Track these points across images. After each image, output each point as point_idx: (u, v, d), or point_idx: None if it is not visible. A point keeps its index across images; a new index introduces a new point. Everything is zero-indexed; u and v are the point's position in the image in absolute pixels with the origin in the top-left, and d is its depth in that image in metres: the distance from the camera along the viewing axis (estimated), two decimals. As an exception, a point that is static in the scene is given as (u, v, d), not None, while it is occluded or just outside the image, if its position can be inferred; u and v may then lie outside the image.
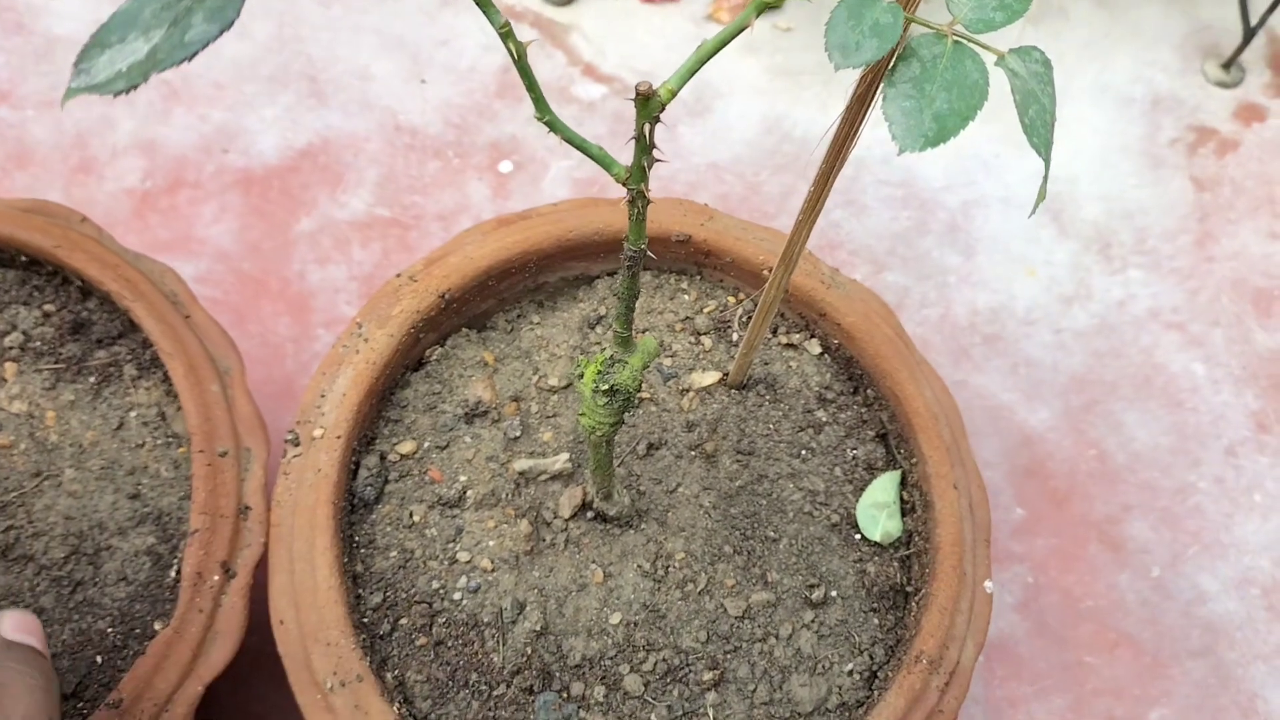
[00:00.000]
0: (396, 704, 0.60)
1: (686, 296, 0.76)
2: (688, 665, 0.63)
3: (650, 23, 1.12)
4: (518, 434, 0.70)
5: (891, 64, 0.42)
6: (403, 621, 0.63)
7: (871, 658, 0.65)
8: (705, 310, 0.76)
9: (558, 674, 0.63)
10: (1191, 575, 0.87)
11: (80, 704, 0.60)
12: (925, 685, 0.62)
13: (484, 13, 0.42)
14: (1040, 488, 0.90)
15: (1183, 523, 0.89)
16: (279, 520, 0.63)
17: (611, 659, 0.63)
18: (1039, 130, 0.41)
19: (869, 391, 0.73)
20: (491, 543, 0.66)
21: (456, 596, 0.64)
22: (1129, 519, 0.89)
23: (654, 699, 0.63)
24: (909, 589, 0.68)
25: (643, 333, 0.74)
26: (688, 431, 0.70)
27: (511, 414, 0.70)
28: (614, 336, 0.55)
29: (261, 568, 0.63)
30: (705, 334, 0.75)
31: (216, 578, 0.61)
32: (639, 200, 0.49)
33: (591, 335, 0.74)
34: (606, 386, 0.55)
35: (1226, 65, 1.11)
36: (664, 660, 0.63)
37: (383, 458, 0.68)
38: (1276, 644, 0.85)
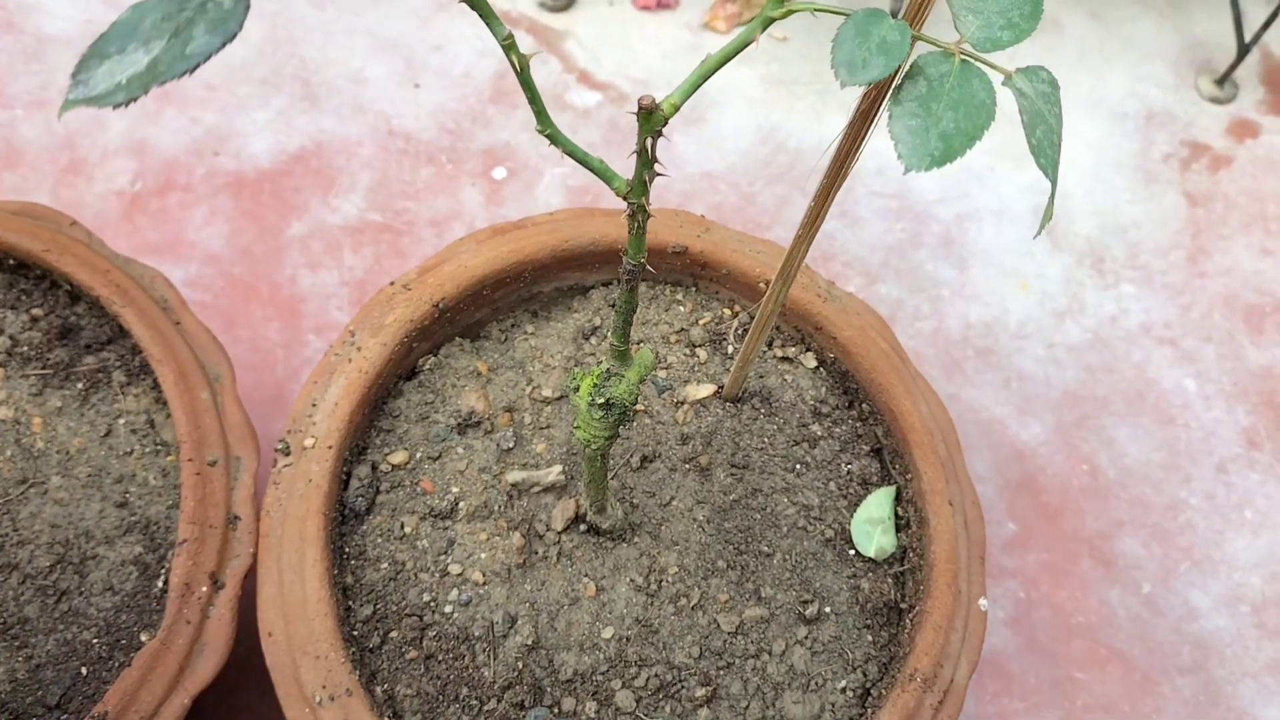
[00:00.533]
0: (386, 718, 0.59)
1: (682, 308, 0.76)
2: (680, 681, 0.63)
3: (645, 30, 1.12)
4: (511, 445, 0.69)
5: (898, 82, 0.41)
6: (393, 635, 0.63)
7: (865, 675, 0.65)
8: (701, 322, 0.75)
9: (549, 689, 0.62)
10: (1182, 592, 0.87)
11: (65, 716, 0.59)
12: (919, 704, 0.61)
13: (487, 24, 0.41)
14: (1032, 502, 0.90)
15: (1174, 539, 0.89)
16: (268, 531, 0.63)
17: (603, 674, 0.63)
18: (1046, 151, 0.40)
19: (864, 406, 0.73)
20: (483, 555, 0.65)
21: (447, 609, 0.63)
22: (1120, 535, 0.89)
23: (646, 715, 0.62)
24: (903, 605, 0.67)
25: (638, 344, 0.74)
26: (682, 444, 0.70)
27: (505, 425, 0.70)
28: (611, 350, 0.54)
29: (250, 579, 0.63)
30: (701, 346, 0.74)
31: (204, 589, 0.61)
32: (639, 214, 0.48)
33: (586, 346, 0.74)
34: (602, 400, 0.55)
35: (1220, 81, 1.11)
36: (656, 676, 0.63)
37: (374, 468, 0.68)
38: (1266, 661, 0.85)
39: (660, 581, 0.65)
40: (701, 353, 0.74)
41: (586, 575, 0.65)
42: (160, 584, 0.63)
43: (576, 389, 0.56)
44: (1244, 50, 1.07)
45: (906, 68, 0.41)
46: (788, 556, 0.67)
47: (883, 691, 0.63)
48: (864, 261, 1.00)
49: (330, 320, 0.93)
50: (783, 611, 0.65)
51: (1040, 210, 1.02)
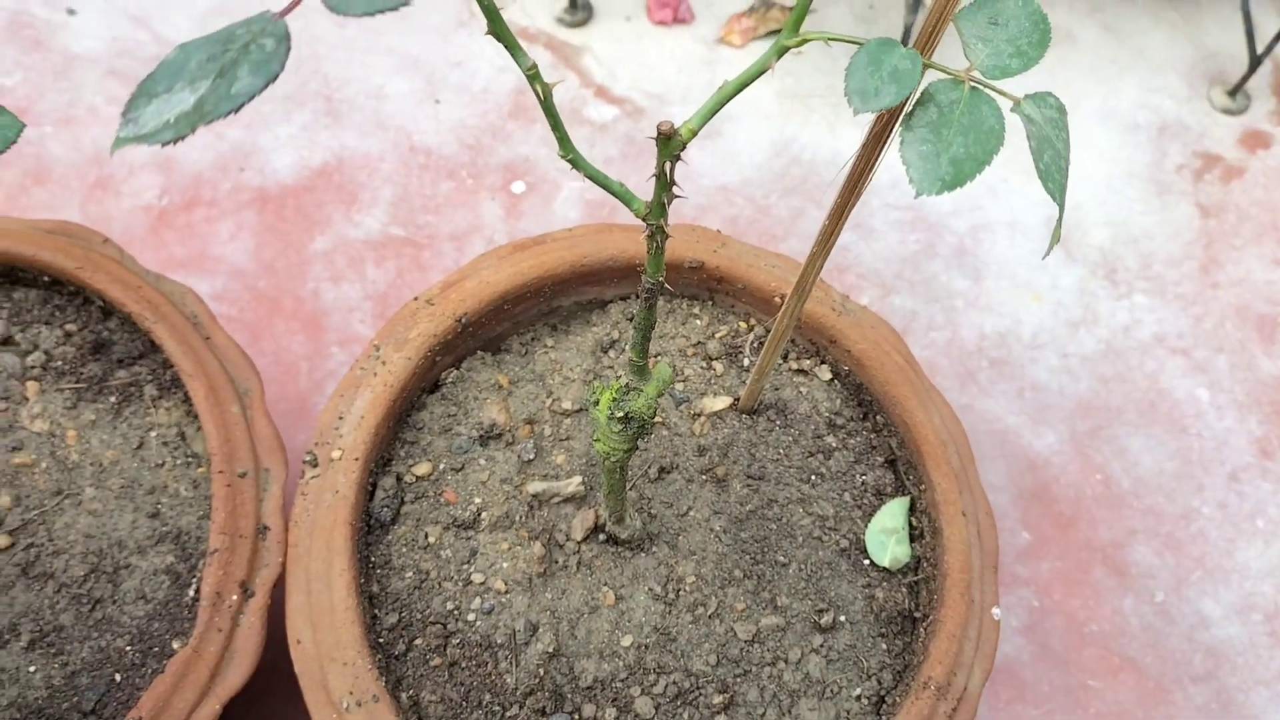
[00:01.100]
0: (411, 724, 0.61)
1: (699, 322, 0.77)
2: (698, 688, 0.64)
3: (661, 45, 1.13)
4: (531, 457, 0.70)
5: (909, 109, 0.43)
6: (418, 642, 0.64)
7: (880, 683, 0.66)
8: (717, 335, 0.77)
9: (570, 696, 0.64)
10: (1195, 600, 0.88)
11: (99, 721, 0.61)
12: (933, 711, 0.63)
13: (511, 55, 0.43)
14: (1046, 512, 0.91)
15: (1186, 548, 0.90)
16: (296, 540, 0.64)
17: (623, 681, 0.64)
18: (1054, 176, 0.42)
19: (878, 418, 0.74)
20: (505, 564, 0.67)
21: (470, 618, 0.65)
22: (1133, 544, 0.90)
23: (665, 721, 0.63)
24: (917, 615, 0.69)
25: (656, 358, 0.75)
26: (699, 456, 0.71)
27: (525, 437, 0.71)
28: (630, 365, 0.56)
29: (279, 587, 0.64)
30: (717, 359, 0.76)
31: (235, 597, 0.62)
32: (658, 235, 0.50)
33: (604, 359, 0.75)
34: (622, 414, 0.56)
35: (1233, 92, 1.12)
36: (675, 683, 0.64)
37: (399, 479, 0.69)
38: (1279, 669, 0.85)
39: (678, 590, 0.67)
40: (718, 365, 0.75)
41: (606, 584, 0.66)
42: (191, 593, 0.64)
43: (596, 403, 0.57)
44: (1256, 62, 1.08)
45: (918, 95, 0.43)
46: (803, 566, 0.68)
47: (897, 699, 0.64)
48: (878, 273, 1.01)
49: (353, 333, 0.94)
50: (798, 620, 0.67)
51: (1053, 223, 1.03)
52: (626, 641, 0.65)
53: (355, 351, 0.94)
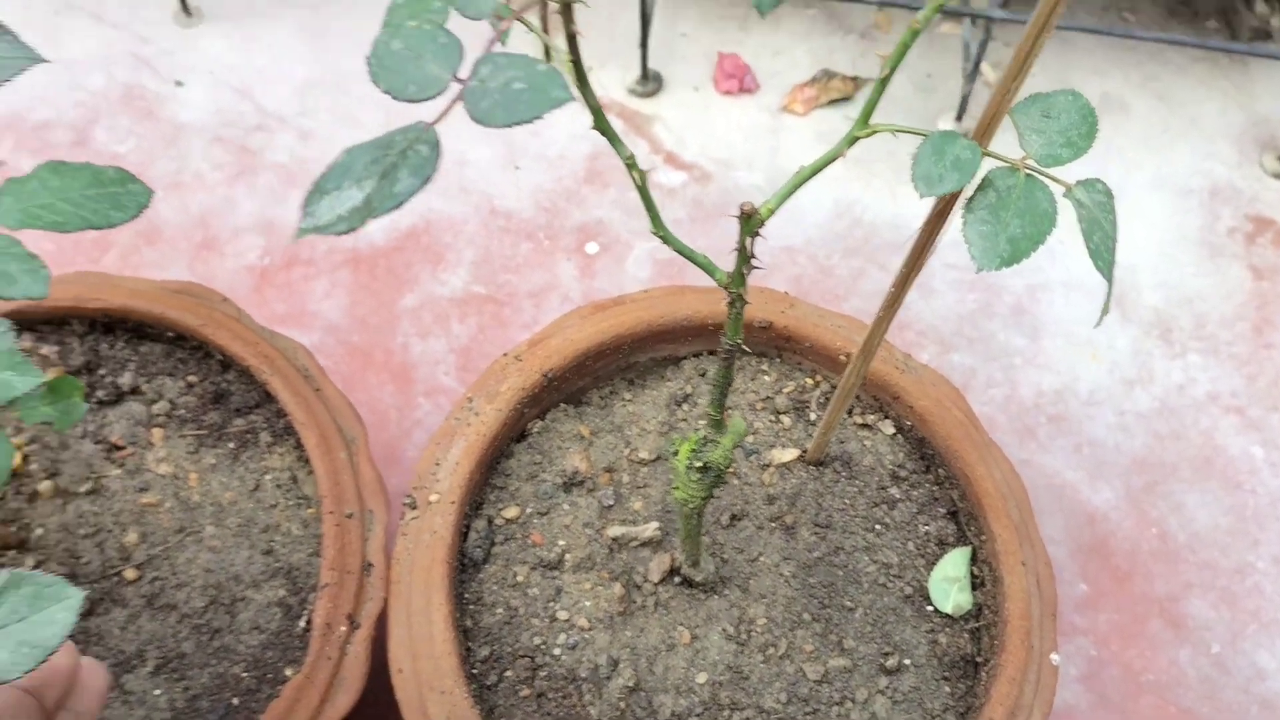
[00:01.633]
0: (502, 751, 0.65)
1: (767, 378, 0.82)
2: (769, 724, 0.68)
3: (728, 114, 1.20)
4: (611, 503, 0.75)
5: (970, 193, 0.48)
6: (508, 674, 0.69)
7: (942, 723, 0.69)
8: (785, 391, 0.81)
9: (648, 728, 0.68)
10: (1250, 653, 0.90)
11: (218, 742, 0.67)
12: (993, 750, 0.66)
13: (613, 146, 0.49)
14: (1103, 564, 0.94)
15: (1242, 602, 0.92)
16: (398, 577, 0.70)
17: (699, 716, 0.68)
18: (1103, 254, 0.46)
19: (940, 471, 0.78)
20: (588, 603, 0.71)
21: (556, 652, 0.70)
22: (1189, 597, 0.92)
23: (737, 755, 0.67)
24: (979, 659, 0.72)
25: (729, 412, 0.80)
26: (768, 504, 0.76)
27: (605, 484, 0.76)
28: (707, 419, 0.61)
29: (381, 620, 0.70)
30: (785, 413, 0.80)
31: (343, 629, 0.68)
32: (738, 302, 0.55)
33: (678, 412, 0.80)
34: (700, 464, 0.61)
35: (1284, 158, 1.15)
36: (748, 719, 0.68)
37: (490, 522, 0.75)
38: (1337, 723, 0.87)
39: (750, 631, 0.71)
40: (785, 419, 0.80)
41: (681, 624, 0.71)
42: (302, 624, 0.70)
43: (675, 453, 0.62)
44: (1307, 128, 1.11)
45: (978, 180, 0.48)
46: (869, 611, 0.72)
47: (959, 739, 0.68)
48: (938, 330, 1.05)
49: (439, 384, 1.00)
50: (864, 662, 0.71)
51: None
52: (702, 679, 0.69)
53: (441, 401, 1.00)
